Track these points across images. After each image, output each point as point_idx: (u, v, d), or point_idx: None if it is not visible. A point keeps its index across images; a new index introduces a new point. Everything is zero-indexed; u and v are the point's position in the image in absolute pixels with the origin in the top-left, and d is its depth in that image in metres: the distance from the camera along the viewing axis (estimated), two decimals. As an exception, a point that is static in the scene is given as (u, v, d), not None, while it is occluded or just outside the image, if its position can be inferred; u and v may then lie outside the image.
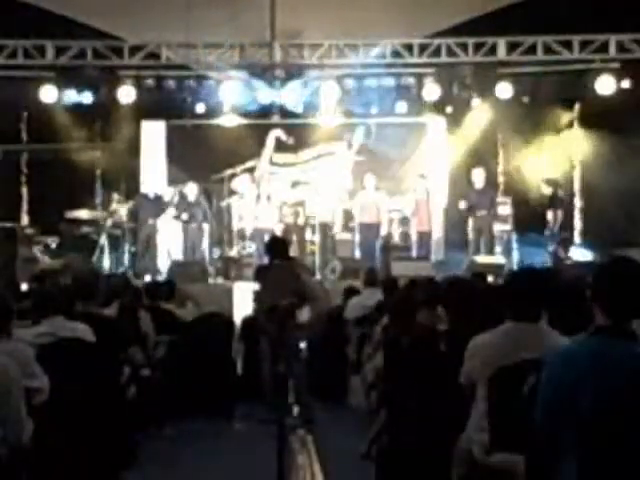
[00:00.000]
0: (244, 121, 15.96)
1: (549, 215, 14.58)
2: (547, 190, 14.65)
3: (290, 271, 9.23)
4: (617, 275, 3.42)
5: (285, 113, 15.87)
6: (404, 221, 15.57)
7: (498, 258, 14.45)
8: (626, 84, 14.86)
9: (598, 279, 3.46)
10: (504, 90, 15.10)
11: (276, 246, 9.53)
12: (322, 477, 6.71)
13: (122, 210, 15.11)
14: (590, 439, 3.18)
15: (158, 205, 15.31)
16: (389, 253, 14.83)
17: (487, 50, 15.09)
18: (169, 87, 15.36)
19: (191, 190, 15.34)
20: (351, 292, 10.63)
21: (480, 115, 15.63)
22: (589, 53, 14.95)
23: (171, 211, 15.43)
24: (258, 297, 9.41)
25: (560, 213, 14.65)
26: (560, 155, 15.73)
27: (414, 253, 15.22)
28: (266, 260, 9.77)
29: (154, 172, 16.52)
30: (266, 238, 12.45)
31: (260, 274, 9.54)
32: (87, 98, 15.17)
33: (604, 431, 3.16)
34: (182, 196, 15.46)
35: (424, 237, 15.30)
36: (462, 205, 14.79)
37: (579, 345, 3.51)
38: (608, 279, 3.43)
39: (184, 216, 15.29)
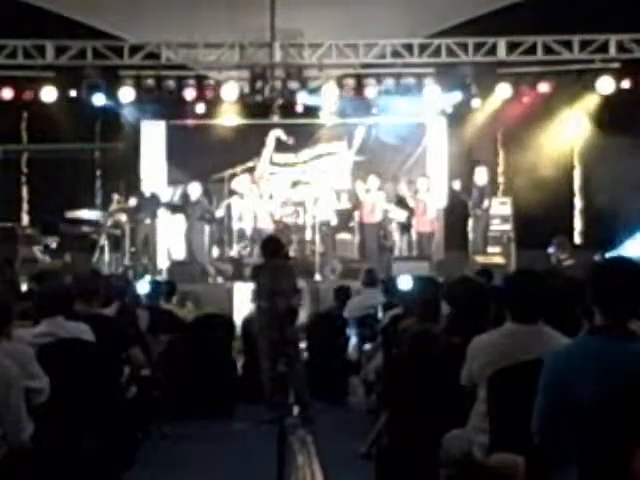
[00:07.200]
0: (244, 121, 15.97)
1: None
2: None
3: (285, 270, 9.26)
4: (614, 274, 3.43)
5: (285, 113, 15.87)
6: (404, 221, 15.55)
7: (498, 258, 14.43)
8: (626, 84, 14.86)
9: (595, 279, 3.46)
10: (504, 90, 15.11)
11: (270, 246, 9.56)
12: (322, 477, 6.71)
13: (122, 210, 15.09)
14: (590, 439, 3.18)
15: (154, 204, 15.27)
16: (388, 253, 14.82)
17: (487, 50, 15.11)
18: (169, 87, 15.36)
19: (193, 189, 15.26)
20: (343, 292, 10.69)
21: (480, 115, 15.64)
22: (589, 53, 14.96)
23: (168, 211, 15.42)
24: (255, 296, 9.42)
25: None
26: (560, 155, 15.71)
27: (414, 253, 15.21)
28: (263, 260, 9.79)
29: (154, 172, 16.50)
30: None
31: (256, 274, 9.56)
32: (87, 98, 15.18)
33: (604, 431, 3.16)
34: (185, 195, 15.43)
35: (424, 237, 15.28)
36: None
37: (578, 345, 3.51)
38: (605, 279, 3.43)
39: (185, 216, 15.27)
